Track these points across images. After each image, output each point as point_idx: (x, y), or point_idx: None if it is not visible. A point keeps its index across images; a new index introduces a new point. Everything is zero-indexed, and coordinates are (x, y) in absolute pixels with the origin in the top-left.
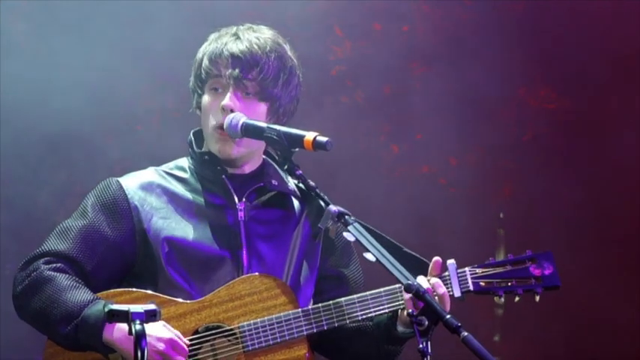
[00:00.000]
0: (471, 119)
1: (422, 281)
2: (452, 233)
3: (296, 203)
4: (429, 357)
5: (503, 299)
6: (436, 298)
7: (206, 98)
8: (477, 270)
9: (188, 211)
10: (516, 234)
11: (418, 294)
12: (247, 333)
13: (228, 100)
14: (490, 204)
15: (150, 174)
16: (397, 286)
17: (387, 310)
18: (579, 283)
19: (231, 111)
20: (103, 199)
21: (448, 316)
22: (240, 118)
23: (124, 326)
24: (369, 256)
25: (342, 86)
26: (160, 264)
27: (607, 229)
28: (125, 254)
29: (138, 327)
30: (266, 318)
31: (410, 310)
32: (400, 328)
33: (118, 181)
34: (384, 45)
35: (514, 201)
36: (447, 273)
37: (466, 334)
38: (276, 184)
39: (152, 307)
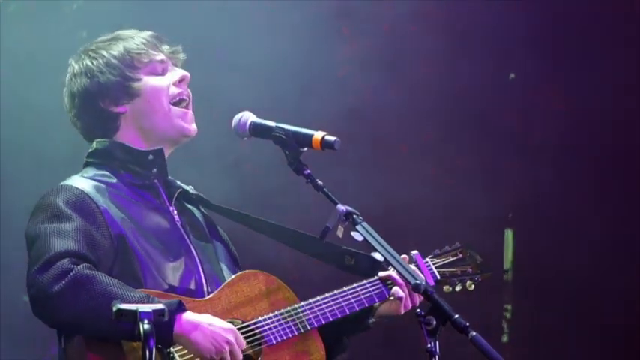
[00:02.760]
0: (478, 120)
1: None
2: (459, 234)
3: (189, 205)
4: (437, 357)
5: (451, 289)
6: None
7: (150, 80)
8: (434, 260)
9: (138, 216)
10: (525, 235)
11: (426, 293)
12: (267, 328)
13: (183, 71)
14: (498, 205)
15: (88, 181)
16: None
17: (376, 301)
18: (590, 284)
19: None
20: (72, 202)
21: (456, 316)
22: (248, 117)
23: (194, 320)
24: (377, 255)
25: (349, 87)
26: (141, 264)
27: (617, 231)
28: (108, 255)
29: (146, 326)
30: (278, 312)
31: (418, 310)
32: (371, 319)
33: (74, 186)
34: (391, 45)
35: (523, 201)
36: (412, 265)
37: (474, 333)
38: (192, 188)
39: (160, 306)
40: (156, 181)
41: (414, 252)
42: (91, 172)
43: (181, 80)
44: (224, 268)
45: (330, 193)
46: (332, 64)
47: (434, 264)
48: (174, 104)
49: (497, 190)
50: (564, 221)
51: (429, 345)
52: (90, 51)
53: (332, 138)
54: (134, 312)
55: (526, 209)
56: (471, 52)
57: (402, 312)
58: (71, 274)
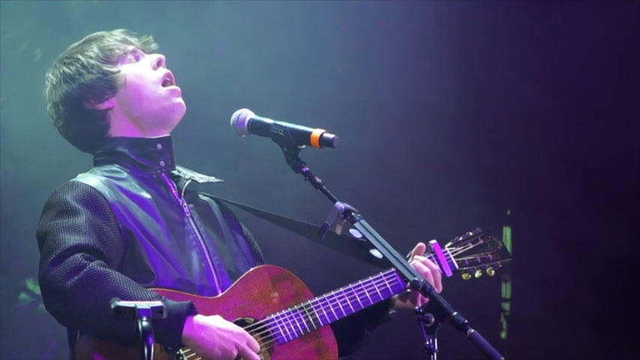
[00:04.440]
0: (478, 117)
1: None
2: (459, 230)
3: (203, 196)
4: (435, 354)
5: (471, 276)
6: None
7: (130, 69)
8: (453, 248)
9: (147, 210)
10: (524, 230)
11: (425, 290)
12: (279, 326)
13: (158, 54)
14: (497, 201)
15: (96, 177)
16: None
17: (392, 294)
18: (587, 282)
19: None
20: (81, 197)
21: (455, 313)
22: (247, 114)
23: (204, 323)
24: (375, 252)
25: (348, 84)
26: (150, 257)
27: (617, 229)
28: (117, 249)
29: (145, 324)
30: (290, 310)
31: (416, 307)
32: (391, 310)
33: (82, 182)
34: (391, 42)
35: (521, 198)
36: (431, 255)
37: (473, 330)
38: (201, 178)
39: (158, 303)
40: (163, 174)
41: (433, 241)
42: (100, 168)
43: (159, 63)
44: (238, 260)
45: (328, 191)
46: (331, 62)
47: (453, 253)
48: (162, 85)
49: (496, 187)
50: (563, 218)
51: (427, 342)
52: (64, 59)
53: (330, 135)
54: (132, 309)
55: (525, 206)
56: (470, 50)
57: (420, 305)
58: (84, 270)
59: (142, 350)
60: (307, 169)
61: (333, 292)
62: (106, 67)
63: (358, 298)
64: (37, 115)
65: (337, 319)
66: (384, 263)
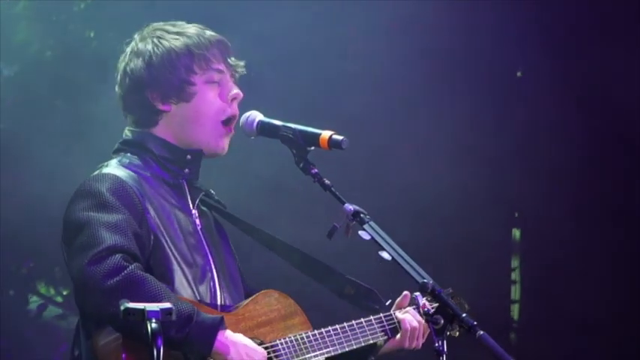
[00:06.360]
0: (486, 118)
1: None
2: (467, 233)
3: (206, 210)
4: (444, 356)
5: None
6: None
7: (205, 90)
8: (431, 304)
9: (167, 215)
10: (532, 233)
11: (434, 293)
12: (282, 351)
13: (238, 89)
14: (505, 203)
15: (126, 170)
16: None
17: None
18: (597, 287)
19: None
20: (117, 192)
21: (464, 315)
22: (256, 116)
23: (233, 339)
24: (384, 254)
25: (359, 83)
26: (169, 264)
27: (626, 228)
28: (146, 251)
29: (154, 325)
30: (292, 337)
31: (426, 309)
32: (372, 357)
33: (115, 175)
34: (401, 43)
35: (529, 200)
36: (414, 306)
37: (482, 332)
38: (213, 192)
39: (167, 305)
40: (184, 180)
41: (417, 293)
42: (126, 160)
43: (234, 100)
44: (231, 279)
45: (337, 193)
46: (340, 62)
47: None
48: (223, 122)
49: (504, 190)
50: (571, 221)
51: (436, 344)
52: (155, 37)
53: (339, 137)
54: (141, 311)
55: (532, 208)
56: (479, 50)
57: (406, 345)
58: (124, 272)
59: (151, 352)
60: (316, 170)
61: (330, 328)
62: (185, 74)
63: (351, 337)
64: (43, 115)
65: (333, 354)
66: (366, 305)
